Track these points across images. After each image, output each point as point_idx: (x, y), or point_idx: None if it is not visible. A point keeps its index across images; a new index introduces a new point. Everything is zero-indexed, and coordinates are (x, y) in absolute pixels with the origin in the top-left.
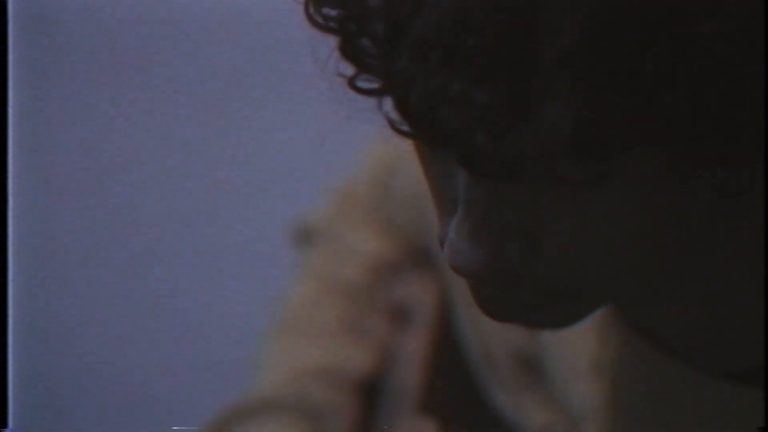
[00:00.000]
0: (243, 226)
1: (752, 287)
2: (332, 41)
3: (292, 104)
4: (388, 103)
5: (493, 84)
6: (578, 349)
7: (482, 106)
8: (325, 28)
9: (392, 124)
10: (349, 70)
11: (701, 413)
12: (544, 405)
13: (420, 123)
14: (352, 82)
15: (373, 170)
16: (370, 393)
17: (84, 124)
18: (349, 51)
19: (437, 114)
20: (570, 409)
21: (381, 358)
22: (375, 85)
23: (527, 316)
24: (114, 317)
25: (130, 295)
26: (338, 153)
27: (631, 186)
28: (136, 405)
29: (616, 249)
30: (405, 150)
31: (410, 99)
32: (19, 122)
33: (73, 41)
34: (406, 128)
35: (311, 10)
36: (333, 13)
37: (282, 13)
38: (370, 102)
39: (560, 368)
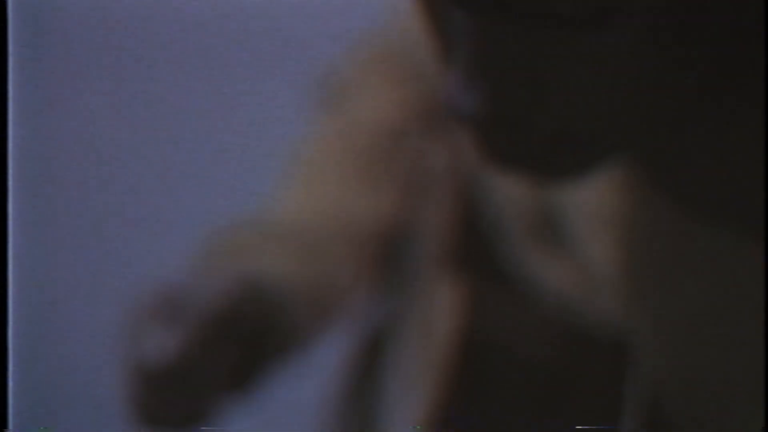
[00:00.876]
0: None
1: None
2: None
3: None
4: None
5: None
6: (595, 207)
7: None
8: None
9: None
10: None
11: (715, 271)
12: (562, 265)
13: None
14: None
15: (405, 23)
16: (387, 252)
17: (84, 124)
18: None
19: None
20: (588, 268)
21: (396, 216)
22: None
23: (534, 165)
24: (114, 318)
25: (130, 295)
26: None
27: (632, 23)
28: None
29: (622, 92)
30: None
31: None
32: (19, 122)
33: (73, 41)
34: None
35: None
36: None
37: (281, 7)
38: None
39: (578, 227)
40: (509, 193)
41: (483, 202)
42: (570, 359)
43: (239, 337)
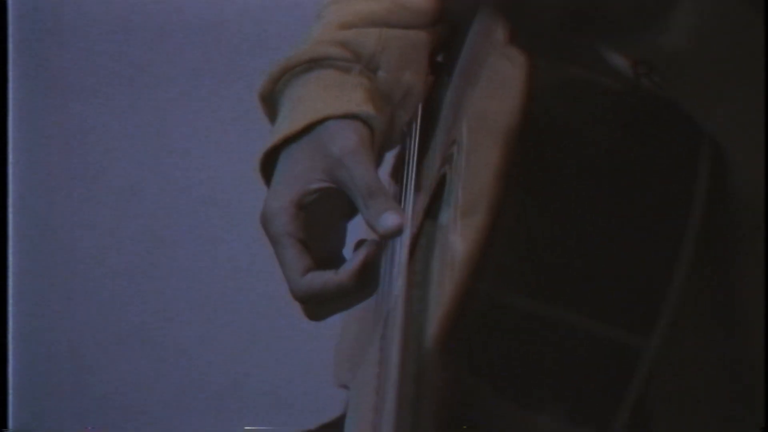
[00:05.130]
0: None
1: None
2: None
3: None
4: None
5: None
6: None
7: None
8: None
9: None
10: None
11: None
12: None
13: None
14: None
15: None
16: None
17: (84, 124)
18: None
19: None
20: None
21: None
22: None
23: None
24: (114, 318)
25: (130, 296)
26: None
27: None
28: (135, 405)
29: None
30: None
31: None
32: (19, 122)
33: (73, 41)
34: None
35: None
36: None
37: (280, 12)
38: None
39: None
40: None
41: None
42: (634, 143)
43: None
